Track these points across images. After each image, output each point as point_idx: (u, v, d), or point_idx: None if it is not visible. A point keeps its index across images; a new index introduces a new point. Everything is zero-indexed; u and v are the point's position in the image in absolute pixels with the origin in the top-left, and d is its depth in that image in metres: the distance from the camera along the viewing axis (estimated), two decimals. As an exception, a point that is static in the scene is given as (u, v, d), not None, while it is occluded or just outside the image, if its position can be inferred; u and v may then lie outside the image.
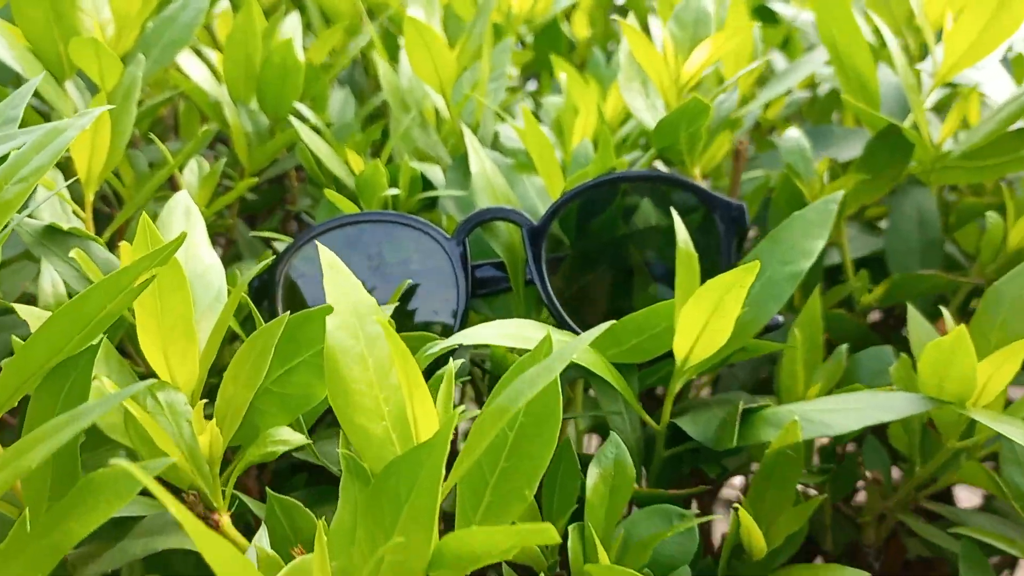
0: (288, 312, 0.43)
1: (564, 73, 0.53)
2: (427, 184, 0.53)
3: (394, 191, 0.49)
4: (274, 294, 0.43)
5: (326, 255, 0.27)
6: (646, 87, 0.47)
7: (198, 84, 0.59)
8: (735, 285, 0.33)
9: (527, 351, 0.31)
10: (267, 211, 0.81)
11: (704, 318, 0.35)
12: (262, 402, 0.33)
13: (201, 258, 0.39)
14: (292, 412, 0.33)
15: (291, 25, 0.68)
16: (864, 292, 0.50)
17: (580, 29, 0.89)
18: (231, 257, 0.67)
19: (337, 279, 0.26)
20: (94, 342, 0.30)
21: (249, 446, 0.33)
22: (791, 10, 0.80)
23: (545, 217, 0.43)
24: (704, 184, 0.47)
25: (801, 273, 0.39)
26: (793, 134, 0.52)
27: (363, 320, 0.27)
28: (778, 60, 0.76)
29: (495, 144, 0.61)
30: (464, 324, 0.44)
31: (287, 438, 0.33)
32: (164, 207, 0.39)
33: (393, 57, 0.77)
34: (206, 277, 0.38)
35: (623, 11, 1.05)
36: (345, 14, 0.73)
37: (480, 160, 0.46)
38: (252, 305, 0.36)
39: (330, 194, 0.48)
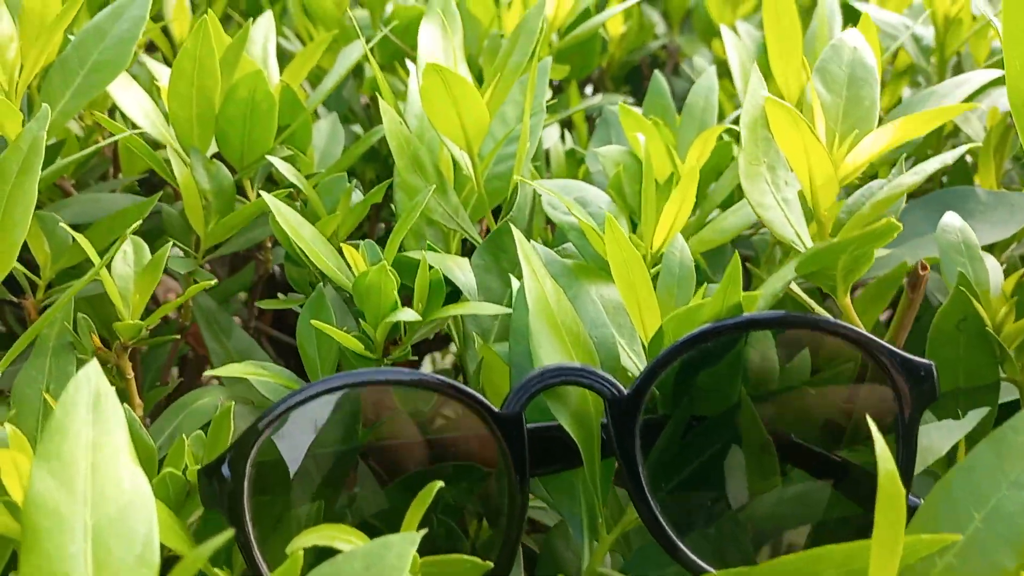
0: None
1: (641, 136, 0.38)
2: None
3: (409, 315, 0.34)
4: (239, 497, 0.29)
5: None
6: (775, 172, 0.33)
7: (137, 124, 0.44)
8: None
9: None
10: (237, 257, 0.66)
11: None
12: None
13: (117, 488, 0.24)
14: None
15: (262, 32, 0.53)
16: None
17: (614, 25, 0.74)
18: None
19: None
20: None
21: None
22: (875, 9, 0.66)
23: (639, 385, 0.29)
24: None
25: (1051, 506, 0.26)
26: (954, 222, 0.37)
27: None
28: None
29: (535, 209, 0.46)
30: (519, 534, 0.30)
31: None
32: (62, 397, 0.25)
33: (389, 68, 0.61)
34: (124, 521, 0.24)
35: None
36: (330, 15, 0.58)
37: (538, 282, 0.31)
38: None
39: (319, 324, 0.34)
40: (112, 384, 0.39)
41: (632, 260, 0.31)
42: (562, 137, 0.62)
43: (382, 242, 0.57)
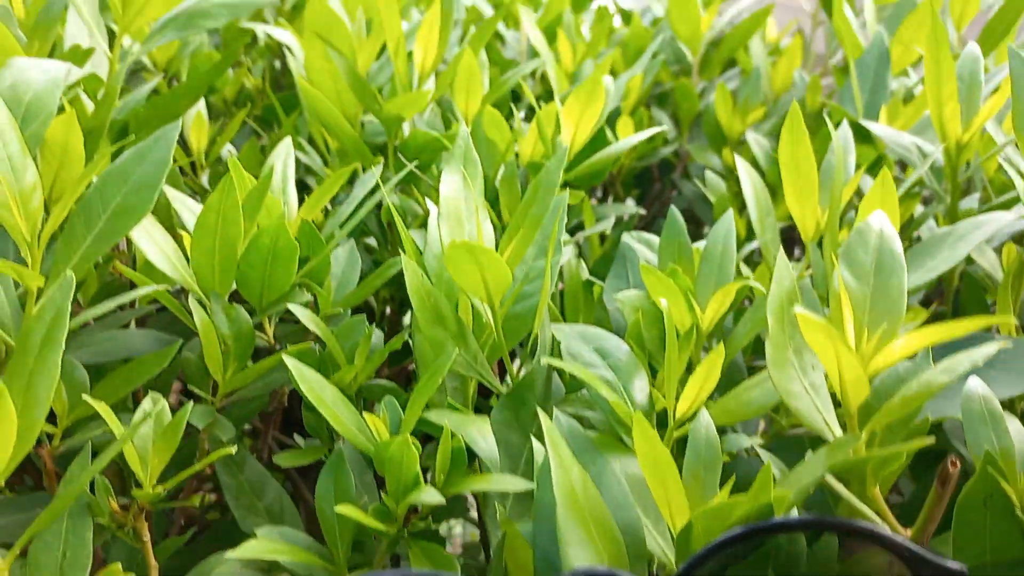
0: None
1: (664, 300, 0.38)
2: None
3: (432, 496, 0.34)
4: None
5: None
6: (802, 356, 0.33)
7: (155, 266, 0.44)
8: None
9: None
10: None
11: None
12: None
13: None
14: None
15: (281, 159, 0.53)
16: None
17: (624, 133, 0.75)
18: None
19: None
20: None
21: None
22: (887, 130, 0.66)
23: (671, 590, 0.29)
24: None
25: None
26: (978, 389, 0.37)
27: None
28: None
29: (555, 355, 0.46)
30: None
31: None
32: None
33: (404, 189, 0.62)
34: None
35: (661, 99, 0.90)
36: (345, 131, 0.58)
37: (565, 472, 0.31)
38: None
39: (342, 509, 0.33)
40: (128, 543, 0.39)
41: (660, 455, 0.31)
42: (577, 246, 0.63)
43: (399, 376, 0.56)
